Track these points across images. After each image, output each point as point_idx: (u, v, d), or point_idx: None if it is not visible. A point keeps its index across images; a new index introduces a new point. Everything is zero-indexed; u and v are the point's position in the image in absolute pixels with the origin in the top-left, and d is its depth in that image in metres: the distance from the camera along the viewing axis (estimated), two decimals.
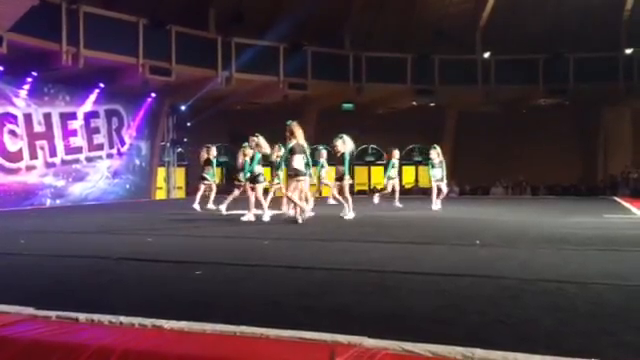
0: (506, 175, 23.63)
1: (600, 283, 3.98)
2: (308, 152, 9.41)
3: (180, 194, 22.32)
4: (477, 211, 11.73)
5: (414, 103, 22.54)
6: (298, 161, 9.07)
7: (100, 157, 18.48)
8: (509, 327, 2.91)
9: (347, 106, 22.17)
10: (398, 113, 23.41)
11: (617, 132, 23.22)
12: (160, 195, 21.37)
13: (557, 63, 21.29)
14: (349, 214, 9.91)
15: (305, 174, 9.22)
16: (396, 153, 13.71)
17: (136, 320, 2.95)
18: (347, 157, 10.12)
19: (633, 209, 11.60)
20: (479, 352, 2.37)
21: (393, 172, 13.47)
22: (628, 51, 21.03)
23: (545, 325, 2.94)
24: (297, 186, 9.18)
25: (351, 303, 3.51)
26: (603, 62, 21.07)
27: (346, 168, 10.06)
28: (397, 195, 13.57)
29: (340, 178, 10.21)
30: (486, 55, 21.76)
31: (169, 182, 21.59)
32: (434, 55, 21.37)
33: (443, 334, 2.71)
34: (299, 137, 9.17)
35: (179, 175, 22.65)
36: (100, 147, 18.48)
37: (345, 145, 10.14)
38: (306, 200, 9.86)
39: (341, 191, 10.26)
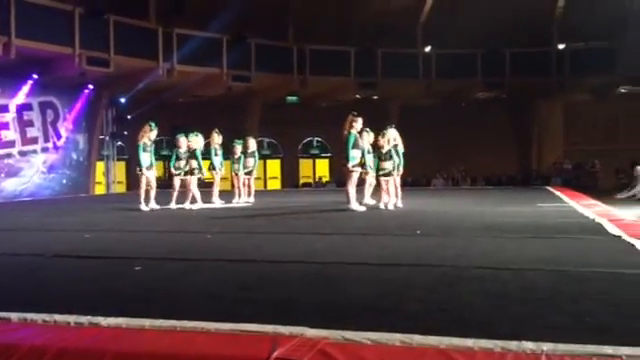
0: (447, 167, 24.23)
1: (533, 269, 4.14)
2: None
3: (120, 189, 21.74)
4: (418, 202, 11.97)
5: (357, 96, 22.74)
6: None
7: (34, 151, 17.75)
8: (446, 313, 3.00)
9: (291, 99, 22.12)
10: (342, 106, 23.48)
11: (550, 124, 24.21)
12: (99, 190, 20.75)
13: (494, 58, 21.94)
14: (186, 204, 10.68)
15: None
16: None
17: (71, 318, 2.86)
18: (198, 154, 10.93)
19: (565, 198, 12.08)
20: (417, 338, 2.44)
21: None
22: (560, 46, 21.93)
23: (480, 310, 3.05)
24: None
25: (293, 294, 3.52)
26: (537, 57, 21.93)
27: (198, 164, 10.92)
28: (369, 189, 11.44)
29: (191, 172, 10.86)
30: (427, 49, 22.18)
31: (108, 177, 20.99)
32: (377, 48, 21.61)
33: (384, 322, 2.77)
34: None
35: (119, 169, 22.04)
36: (34, 141, 17.74)
37: (188, 142, 10.99)
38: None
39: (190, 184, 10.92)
